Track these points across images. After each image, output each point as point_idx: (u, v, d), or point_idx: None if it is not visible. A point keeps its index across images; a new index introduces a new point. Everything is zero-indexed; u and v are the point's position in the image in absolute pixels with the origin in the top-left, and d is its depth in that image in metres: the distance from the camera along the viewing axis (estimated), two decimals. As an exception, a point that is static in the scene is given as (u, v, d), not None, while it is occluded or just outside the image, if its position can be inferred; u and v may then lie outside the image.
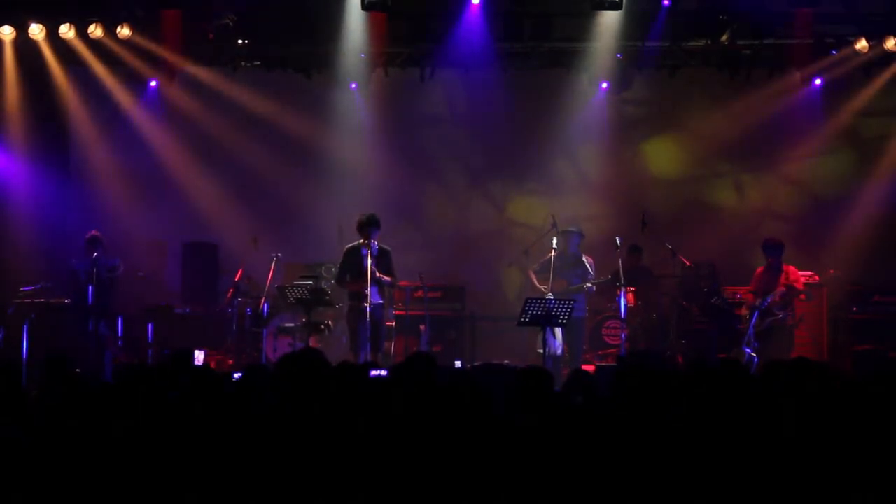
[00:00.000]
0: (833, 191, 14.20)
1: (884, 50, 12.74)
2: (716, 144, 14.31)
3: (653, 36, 12.90)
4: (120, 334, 12.15)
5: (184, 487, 4.04)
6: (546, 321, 10.31)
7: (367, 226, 10.77)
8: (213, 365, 11.89)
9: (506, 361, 11.54)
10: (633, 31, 12.90)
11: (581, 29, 13.04)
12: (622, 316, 11.84)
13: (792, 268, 12.01)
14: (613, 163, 14.31)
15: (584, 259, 11.91)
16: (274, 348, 12.53)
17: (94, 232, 11.87)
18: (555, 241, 11.64)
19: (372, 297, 10.70)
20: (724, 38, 12.91)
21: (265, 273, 12.23)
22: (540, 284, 11.61)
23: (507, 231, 14.52)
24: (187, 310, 13.15)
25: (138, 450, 4.18)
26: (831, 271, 13.09)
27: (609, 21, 12.73)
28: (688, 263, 12.77)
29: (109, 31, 12.84)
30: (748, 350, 11.48)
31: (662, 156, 14.58)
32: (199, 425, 4.37)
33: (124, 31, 12.81)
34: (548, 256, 11.63)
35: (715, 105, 14.01)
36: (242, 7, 12.95)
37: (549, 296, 11.09)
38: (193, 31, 13.12)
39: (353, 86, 14.09)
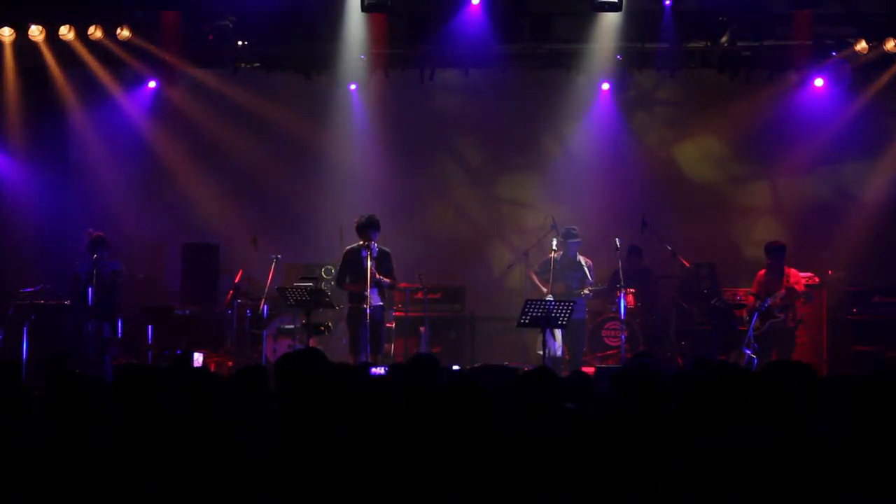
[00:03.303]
0: (833, 191, 14.19)
1: (884, 51, 12.75)
2: (716, 145, 14.34)
3: (659, 37, 12.90)
4: (120, 335, 12.14)
5: (183, 488, 4.04)
6: (546, 323, 10.30)
7: (367, 227, 10.76)
8: (212, 367, 11.88)
9: (506, 362, 11.56)
10: (633, 32, 12.91)
11: (581, 29, 13.05)
12: (622, 317, 11.86)
13: (793, 270, 12.01)
14: (614, 163, 14.27)
15: (583, 262, 11.91)
16: (274, 350, 12.50)
17: (97, 233, 11.82)
18: (554, 242, 11.66)
19: (372, 298, 10.69)
20: (724, 39, 12.90)
21: (265, 274, 12.22)
22: (542, 285, 11.62)
23: (506, 231, 14.51)
24: (187, 311, 13.12)
25: (137, 450, 4.17)
26: (829, 272, 13.07)
27: (609, 22, 12.74)
28: (687, 264, 12.77)
29: (109, 32, 12.84)
30: (748, 351, 11.47)
31: (662, 156, 14.58)
32: (198, 426, 4.36)
33: (124, 33, 12.81)
34: (548, 257, 11.66)
35: (715, 106, 13.99)
36: (242, 8, 12.93)
37: (549, 297, 11.09)
38: (193, 32, 13.11)
39: (353, 87, 14.10)
